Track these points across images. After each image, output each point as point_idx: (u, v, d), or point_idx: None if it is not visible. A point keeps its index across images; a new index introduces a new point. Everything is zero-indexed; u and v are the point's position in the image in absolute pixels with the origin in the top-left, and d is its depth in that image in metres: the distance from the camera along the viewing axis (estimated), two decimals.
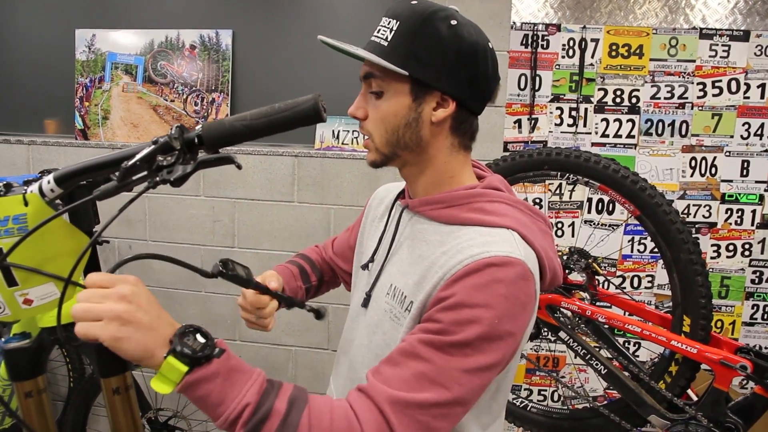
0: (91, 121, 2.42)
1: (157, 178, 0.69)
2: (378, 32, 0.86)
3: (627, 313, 1.63)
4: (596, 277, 1.61)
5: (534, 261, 0.82)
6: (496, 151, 2.13)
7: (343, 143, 2.24)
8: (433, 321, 0.77)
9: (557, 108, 2.36)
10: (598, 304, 1.56)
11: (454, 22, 0.83)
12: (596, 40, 2.31)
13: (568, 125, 2.37)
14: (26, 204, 0.80)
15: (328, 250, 1.25)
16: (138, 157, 0.69)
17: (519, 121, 2.38)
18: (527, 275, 0.78)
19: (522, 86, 2.36)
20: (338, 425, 0.71)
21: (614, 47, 2.31)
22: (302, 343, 2.36)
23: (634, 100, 2.33)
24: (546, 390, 2.46)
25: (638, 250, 2.37)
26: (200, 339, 0.67)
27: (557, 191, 2.39)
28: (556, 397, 2.48)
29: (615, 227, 2.36)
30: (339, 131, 2.25)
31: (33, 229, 0.75)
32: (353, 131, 2.24)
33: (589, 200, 2.38)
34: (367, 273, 1.00)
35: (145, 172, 0.68)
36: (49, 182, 0.78)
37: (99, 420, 2.37)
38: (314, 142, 2.27)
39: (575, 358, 1.54)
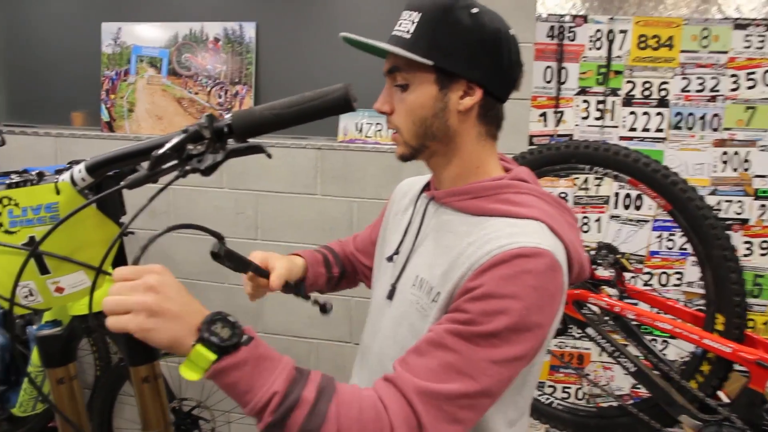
0: (117, 113, 2.44)
1: (188, 167, 0.69)
2: (400, 26, 0.86)
3: (656, 311, 1.60)
4: (624, 273, 1.58)
5: (562, 253, 0.81)
6: (521, 144, 2.11)
7: (366, 136, 2.24)
8: (460, 311, 0.76)
9: (584, 101, 2.32)
10: (625, 300, 1.53)
11: (474, 11, 0.83)
12: (624, 32, 2.26)
13: (595, 119, 2.33)
14: (58, 192, 0.80)
15: (350, 245, 1.25)
16: (168, 145, 0.69)
17: (544, 115, 2.35)
18: (556, 266, 0.77)
19: (548, 79, 2.32)
20: (367, 415, 0.71)
21: (643, 39, 2.25)
22: (324, 336, 2.37)
23: (663, 93, 2.27)
24: (570, 387, 2.43)
25: (667, 247, 2.33)
26: (228, 327, 0.67)
27: (583, 185, 2.35)
28: (579, 395, 2.45)
29: (642, 223, 2.31)
30: (362, 124, 2.24)
31: (65, 217, 0.76)
32: (376, 124, 2.23)
33: (616, 195, 2.34)
34: (392, 265, 0.99)
35: (175, 161, 0.68)
36: (80, 171, 0.79)
37: (124, 408, 2.41)
38: (337, 135, 2.27)
39: (600, 355, 1.51)
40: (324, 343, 2.37)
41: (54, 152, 2.44)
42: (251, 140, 0.74)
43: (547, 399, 1.66)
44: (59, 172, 0.85)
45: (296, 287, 1.07)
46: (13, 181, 0.83)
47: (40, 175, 0.85)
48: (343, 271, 1.22)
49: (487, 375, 0.74)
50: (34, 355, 1.88)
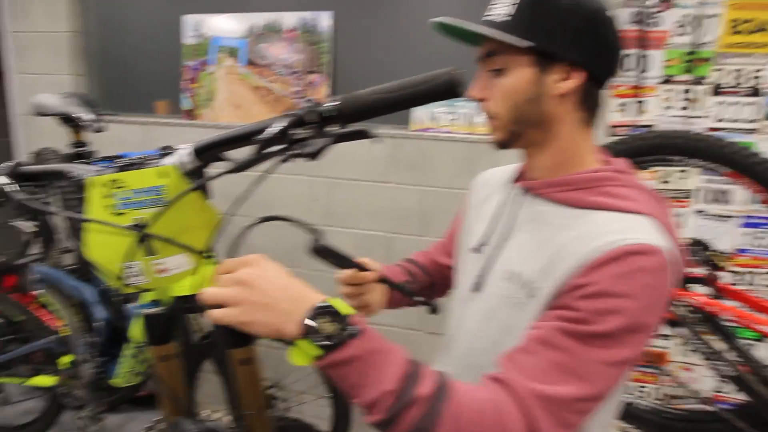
0: (197, 102, 2.52)
1: (293, 152, 0.69)
2: (494, 9, 0.83)
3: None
4: (716, 271, 1.49)
5: (671, 250, 0.77)
6: (600, 134, 2.02)
7: (440, 125, 2.21)
8: (569, 309, 0.73)
9: (668, 90, 2.20)
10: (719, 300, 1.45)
11: None
12: (714, 16, 2.12)
13: (681, 108, 2.20)
14: (164, 176, 0.83)
15: (435, 253, 1.22)
16: (275, 129, 0.69)
17: (625, 104, 2.25)
18: (666, 265, 0.74)
19: (629, 67, 2.22)
20: (483, 418, 0.68)
21: (735, 23, 2.11)
22: (395, 323, 2.37)
23: (756, 81, 2.13)
24: (645, 386, 2.34)
25: (758, 245, 2.18)
26: (336, 320, 0.65)
27: (665, 178, 2.24)
28: (656, 395, 2.35)
29: (730, 219, 2.18)
30: (437, 113, 2.22)
31: (173, 200, 0.78)
32: (450, 113, 2.20)
33: (702, 189, 2.21)
34: (478, 256, 0.97)
35: (283, 145, 0.68)
36: (188, 154, 0.80)
37: (205, 385, 2.49)
38: (411, 124, 2.26)
39: (682, 355, 1.43)
40: (394, 330, 2.38)
41: (140, 139, 2.55)
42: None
43: (630, 399, 1.60)
44: (164, 155, 0.88)
45: (402, 285, 1.02)
46: (124, 164, 0.86)
47: (148, 159, 0.88)
48: (430, 280, 1.19)
49: (601, 377, 0.72)
50: (133, 331, 1.97)
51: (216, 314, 0.67)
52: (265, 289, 0.68)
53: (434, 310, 0.99)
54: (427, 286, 1.18)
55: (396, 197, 2.28)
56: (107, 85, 2.76)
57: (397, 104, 0.70)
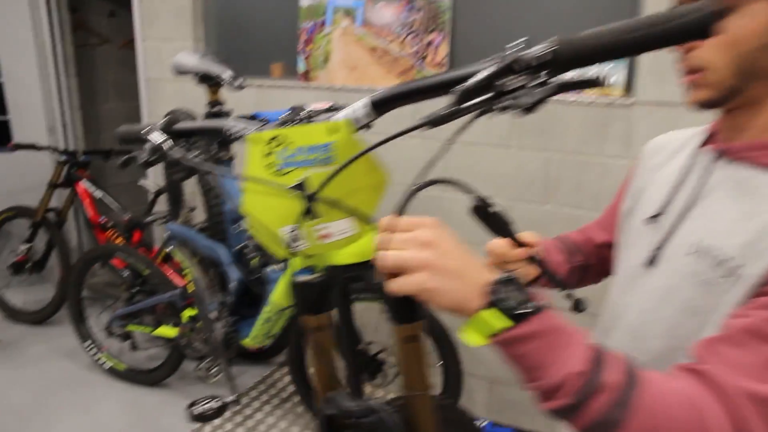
0: (313, 64, 2.48)
1: (503, 104, 0.58)
2: None
3: None
4: None
5: None
6: None
7: None
8: None
9: None
10: None
11: None
12: None
13: None
14: (335, 131, 0.75)
15: (590, 229, 1.10)
16: (480, 77, 0.59)
17: None
18: None
19: None
20: (681, 415, 0.58)
21: None
22: None
23: None
24: None
25: None
26: (520, 292, 0.58)
27: None
28: None
29: None
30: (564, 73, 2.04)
31: (350, 160, 0.71)
32: (579, 73, 2.01)
33: None
34: (654, 227, 0.84)
35: (490, 94, 0.58)
36: (364, 106, 0.72)
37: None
38: None
39: None
40: None
41: (255, 101, 2.56)
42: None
43: None
44: (325, 111, 0.81)
45: (556, 277, 0.90)
46: (288, 119, 0.80)
47: (312, 113, 0.81)
48: (586, 261, 1.06)
49: None
50: (274, 296, 1.98)
51: (399, 282, 0.59)
52: (454, 253, 0.60)
53: (580, 309, 0.85)
54: (579, 267, 1.06)
55: (518, 162, 2.14)
56: (225, 48, 2.79)
57: (628, 48, 0.57)
